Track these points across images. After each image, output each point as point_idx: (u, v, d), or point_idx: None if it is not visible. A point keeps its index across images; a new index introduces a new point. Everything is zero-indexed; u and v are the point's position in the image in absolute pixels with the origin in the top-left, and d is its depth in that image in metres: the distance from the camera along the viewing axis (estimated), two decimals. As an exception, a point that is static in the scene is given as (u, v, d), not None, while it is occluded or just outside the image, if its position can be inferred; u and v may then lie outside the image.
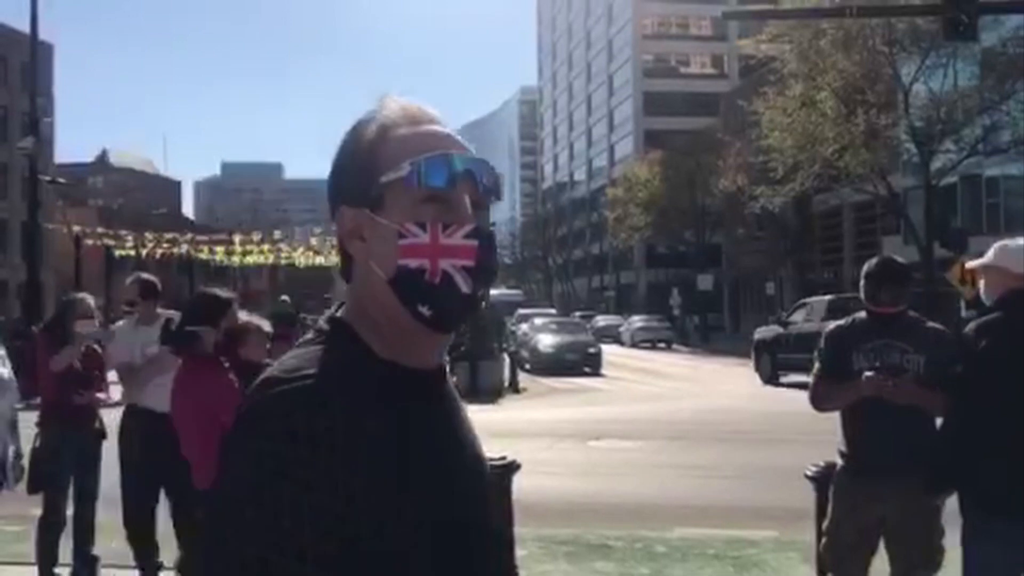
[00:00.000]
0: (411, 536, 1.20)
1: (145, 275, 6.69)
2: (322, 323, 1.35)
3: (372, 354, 1.29)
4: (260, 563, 1.12)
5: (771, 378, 23.96)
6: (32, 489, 6.11)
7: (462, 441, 1.38)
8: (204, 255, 47.58)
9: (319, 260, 47.71)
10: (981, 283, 3.97)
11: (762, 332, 26.15)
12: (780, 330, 24.31)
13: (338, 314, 1.35)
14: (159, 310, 6.42)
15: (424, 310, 1.27)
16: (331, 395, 1.19)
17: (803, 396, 4.82)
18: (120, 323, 6.76)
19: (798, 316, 24.17)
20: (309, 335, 1.34)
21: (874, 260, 4.56)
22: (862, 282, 4.47)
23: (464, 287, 1.27)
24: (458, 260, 1.26)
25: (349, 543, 1.14)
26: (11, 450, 5.75)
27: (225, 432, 4.19)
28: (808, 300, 25.82)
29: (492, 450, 5.07)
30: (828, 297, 24.64)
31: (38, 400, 6.56)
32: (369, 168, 1.30)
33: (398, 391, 1.26)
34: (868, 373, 4.20)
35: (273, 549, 1.12)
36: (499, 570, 1.38)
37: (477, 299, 1.30)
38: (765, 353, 24.79)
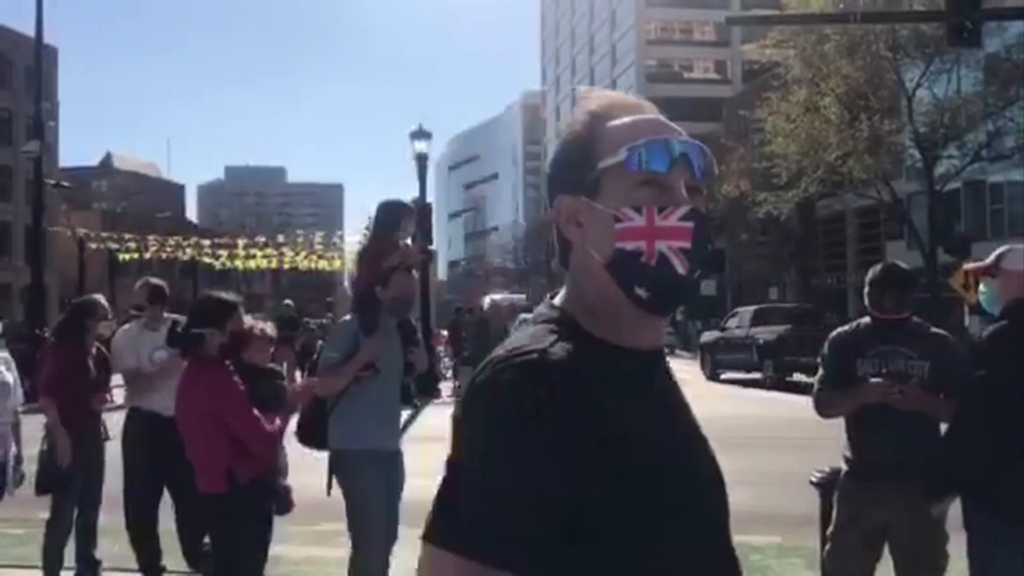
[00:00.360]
0: (629, 506, 1.21)
1: (154, 280, 6.65)
2: (539, 309, 1.39)
3: (582, 332, 1.31)
4: (497, 529, 1.16)
5: (712, 375, 27.60)
6: (41, 491, 6.10)
7: (677, 420, 1.39)
8: (207, 259, 47.58)
9: (322, 264, 47.64)
10: (982, 287, 3.96)
11: (706, 337, 30.29)
12: (720, 334, 28.27)
13: (556, 301, 1.39)
14: (165, 314, 6.41)
15: (641, 292, 1.29)
16: (551, 369, 1.22)
17: (806, 401, 4.81)
18: (126, 326, 6.75)
19: (732, 323, 28.02)
20: (532, 321, 1.37)
21: (879, 266, 4.55)
22: (866, 288, 4.47)
23: (680, 268, 1.29)
24: (674, 242, 1.28)
25: (575, 510, 1.17)
26: (12, 454, 5.74)
27: (230, 434, 4.15)
28: (739, 309, 29.90)
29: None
30: (753, 307, 28.97)
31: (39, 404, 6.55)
32: (585, 156, 1.34)
33: (614, 368, 1.28)
34: (875, 379, 4.19)
35: (509, 514, 1.16)
36: (716, 548, 1.37)
37: (694, 280, 1.31)
38: (707, 354, 28.85)
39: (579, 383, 1.22)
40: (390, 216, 5.34)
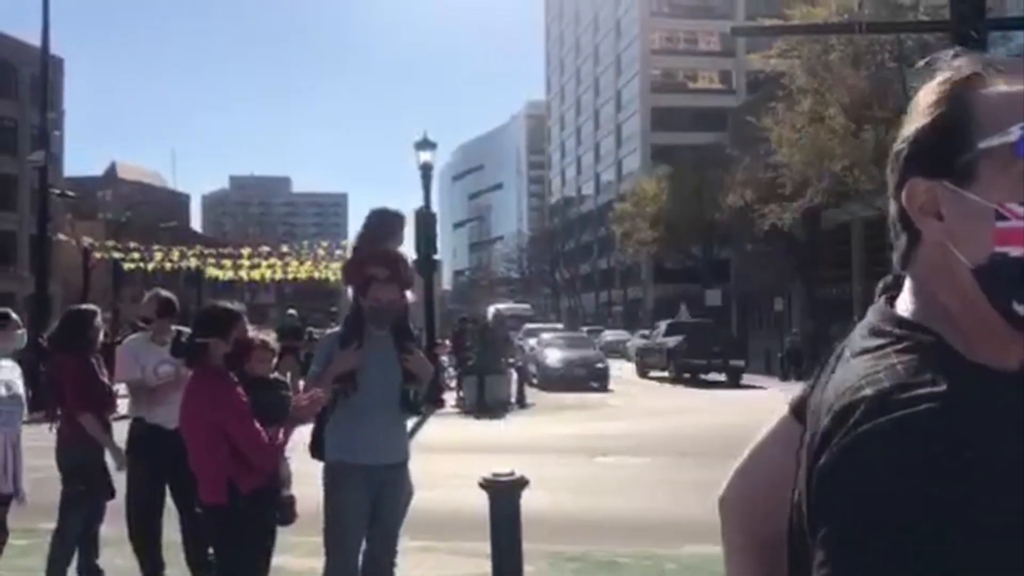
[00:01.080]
0: None
1: (164, 293, 6.62)
2: (879, 324, 1.15)
3: (961, 358, 1.06)
4: None
5: (642, 374, 35.25)
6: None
7: None
8: (212, 269, 47.63)
9: (326, 274, 47.66)
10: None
11: (637, 342, 41.44)
12: (646, 342, 38.43)
13: (903, 311, 1.16)
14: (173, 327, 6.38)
15: (1021, 309, 1.05)
16: (965, 419, 0.98)
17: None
18: (132, 336, 6.73)
19: (653, 333, 37.79)
20: (871, 341, 1.12)
21: (890, 277, 4.50)
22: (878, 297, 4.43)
23: None
24: None
25: None
26: (22, 463, 5.73)
27: (232, 445, 4.09)
28: (659, 323, 39.30)
29: (499, 465, 5.04)
30: (667, 321, 38.23)
31: (42, 414, 6.53)
32: (956, 132, 1.09)
33: (1008, 402, 1.03)
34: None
35: None
36: None
37: None
38: (639, 357, 37.60)
39: (995, 433, 0.98)
40: (370, 224, 5.33)
